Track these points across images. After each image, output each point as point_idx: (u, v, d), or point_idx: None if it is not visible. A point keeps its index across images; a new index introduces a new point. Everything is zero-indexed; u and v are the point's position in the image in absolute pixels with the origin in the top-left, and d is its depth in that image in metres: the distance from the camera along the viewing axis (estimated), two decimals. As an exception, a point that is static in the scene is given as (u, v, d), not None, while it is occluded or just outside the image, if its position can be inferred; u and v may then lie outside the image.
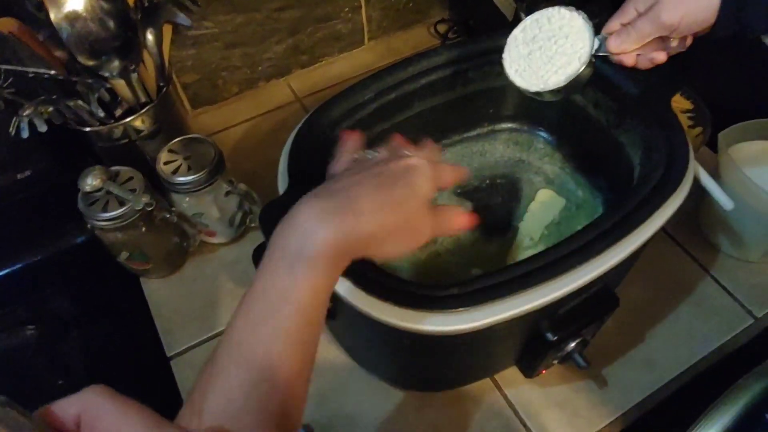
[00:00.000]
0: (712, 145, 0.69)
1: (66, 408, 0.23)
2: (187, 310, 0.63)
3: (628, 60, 0.43)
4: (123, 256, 0.60)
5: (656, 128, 0.48)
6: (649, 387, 0.56)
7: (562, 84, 0.44)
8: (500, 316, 0.38)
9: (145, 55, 0.58)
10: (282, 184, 0.46)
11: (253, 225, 0.67)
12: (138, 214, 0.56)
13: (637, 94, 0.50)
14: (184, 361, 0.59)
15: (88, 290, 0.66)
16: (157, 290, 0.64)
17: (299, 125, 0.49)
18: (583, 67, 0.43)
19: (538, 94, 0.46)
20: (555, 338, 0.44)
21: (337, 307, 0.44)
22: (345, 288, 0.39)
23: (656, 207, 0.42)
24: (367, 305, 0.39)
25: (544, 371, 0.52)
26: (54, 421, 0.23)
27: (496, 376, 0.56)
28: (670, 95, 0.50)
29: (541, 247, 0.55)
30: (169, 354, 0.59)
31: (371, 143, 0.54)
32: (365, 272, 0.40)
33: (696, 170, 0.47)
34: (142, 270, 0.63)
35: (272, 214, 0.43)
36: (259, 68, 0.82)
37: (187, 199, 0.60)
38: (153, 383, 0.59)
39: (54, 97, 0.50)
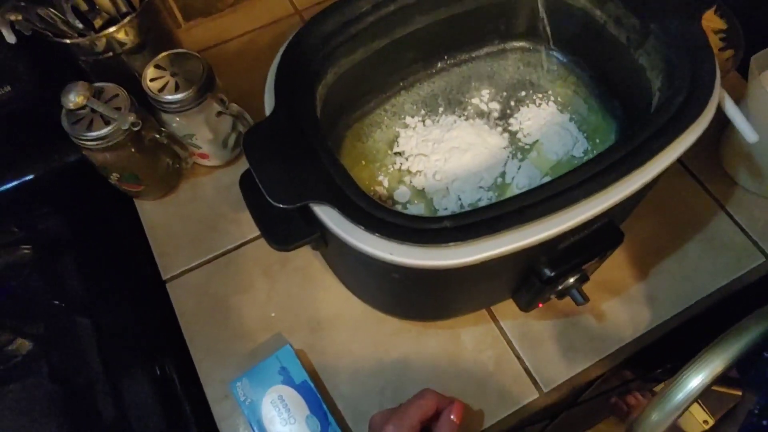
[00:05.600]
0: (743, 69, 0.63)
1: None
2: (183, 233, 0.62)
3: None
4: (114, 177, 0.58)
5: (682, 50, 0.43)
6: (649, 323, 0.55)
7: None
8: (494, 252, 0.36)
9: (125, -42, 0.53)
10: (269, 105, 0.43)
11: (247, 147, 0.64)
12: (125, 134, 0.53)
13: (665, 9, 0.45)
14: (180, 285, 0.59)
15: (83, 211, 0.65)
16: (151, 212, 0.63)
17: (288, 40, 0.45)
18: None
19: None
20: (553, 274, 0.42)
21: (326, 236, 0.42)
22: (331, 217, 0.37)
23: (671, 139, 0.38)
24: (352, 236, 0.37)
25: (540, 305, 0.51)
26: None
27: (492, 308, 0.56)
28: (701, 11, 0.44)
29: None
30: (164, 277, 0.59)
31: (368, 62, 0.51)
32: (352, 201, 0.38)
33: (721, 98, 0.42)
34: (135, 192, 0.62)
35: (257, 138, 0.40)
36: (256, -24, 0.76)
37: (177, 118, 0.57)
38: (149, 305, 0.59)
39: (22, 3, 0.46)
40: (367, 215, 0.37)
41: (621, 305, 0.55)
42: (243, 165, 0.66)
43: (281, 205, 0.37)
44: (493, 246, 0.36)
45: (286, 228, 0.43)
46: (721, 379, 0.42)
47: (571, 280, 0.46)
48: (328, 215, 0.38)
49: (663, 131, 0.39)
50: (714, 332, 0.43)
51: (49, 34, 0.52)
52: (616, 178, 0.37)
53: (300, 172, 0.39)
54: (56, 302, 0.58)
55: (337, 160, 0.40)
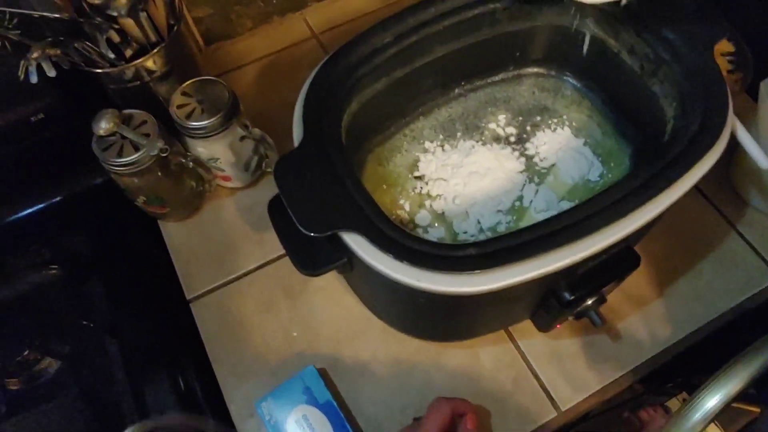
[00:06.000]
0: (752, 91, 0.65)
1: None
2: (206, 254, 0.63)
3: None
4: (140, 200, 0.60)
5: (695, 79, 0.45)
6: (664, 342, 0.56)
7: None
8: (518, 279, 0.38)
9: (154, -9, 0.55)
10: (297, 135, 0.44)
11: (269, 170, 0.66)
12: (153, 160, 0.55)
13: (677, 40, 0.47)
14: (204, 304, 0.60)
15: (109, 232, 0.67)
16: (175, 233, 0.65)
17: (314, 72, 0.47)
18: None
19: None
20: (572, 298, 0.43)
21: (353, 261, 0.44)
22: (359, 244, 0.39)
23: (687, 167, 0.40)
24: (381, 263, 0.38)
25: (558, 326, 0.52)
26: None
27: (510, 328, 0.57)
28: (713, 43, 0.46)
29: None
30: (188, 297, 0.60)
31: (389, 90, 0.52)
32: (380, 229, 0.39)
33: (733, 126, 0.44)
34: (160, 213, 0.64)
35: (287, 169, 0.42)
36: (274, 1, 0.78)
37: (203, 143, 0.59)
38: (174, 325, 0.61)
39: (61, 39, 0.48)
40: (395, 243, 0.39)
41: (636, 325, 0.57)
42: (263, 187, 0.68)
43: (312, 234, 0.39)
44: (516, 273, 0.38)
45: (314, 253, 0.44)
46: (736, 395, 0.43)
47: (590, 302, 0.47)
48: (356, 243, 0.39)
49: (678, 160, 0.41)
50: (726, 349, 0.44)
51: (81, 63, 0.54)
52: (634, 207, 0.39)
53: (329, 201, 0.40)
54: (84, 322, 0.60)
55: (364, 190, 0.41)
